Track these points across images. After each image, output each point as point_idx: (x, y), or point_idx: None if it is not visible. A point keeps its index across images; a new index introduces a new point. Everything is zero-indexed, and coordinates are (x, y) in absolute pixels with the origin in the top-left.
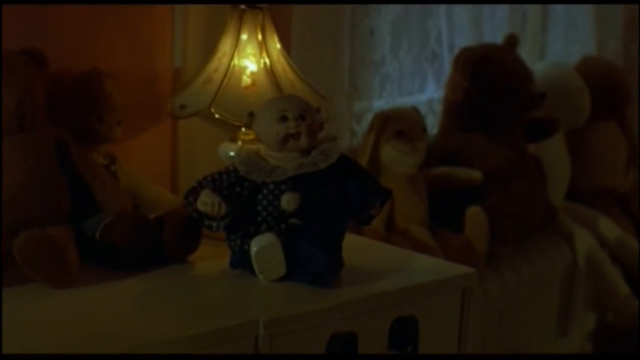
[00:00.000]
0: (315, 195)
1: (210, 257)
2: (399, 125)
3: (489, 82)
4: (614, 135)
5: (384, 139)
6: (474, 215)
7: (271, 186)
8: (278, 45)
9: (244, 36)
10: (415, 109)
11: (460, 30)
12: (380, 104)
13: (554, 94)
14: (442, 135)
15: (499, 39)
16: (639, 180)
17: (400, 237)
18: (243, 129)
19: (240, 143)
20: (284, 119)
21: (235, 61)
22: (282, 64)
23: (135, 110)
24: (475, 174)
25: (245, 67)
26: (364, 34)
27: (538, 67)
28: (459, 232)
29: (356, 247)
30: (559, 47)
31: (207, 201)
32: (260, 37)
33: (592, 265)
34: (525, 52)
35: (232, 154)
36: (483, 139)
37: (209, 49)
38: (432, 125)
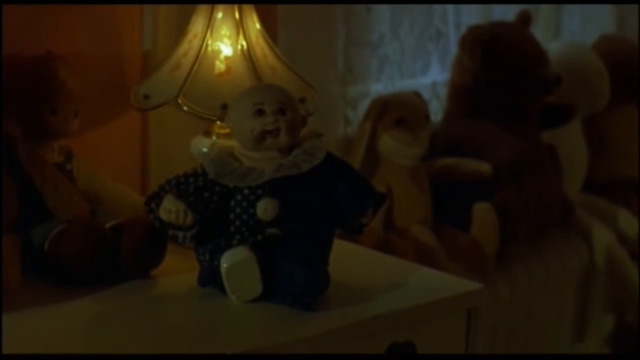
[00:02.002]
0: (297, 202)
1: (178, 271)
2: (398, 112)
3: (500, 64)
4: (635, 122)
5: (382, 128)
6: (482, 213)
7: (246, 191)
8: (258, 25)
9: (219, 15)
10: (417, 94)
11: (468, 7)
12: (379, 88)
13: (570, 77)
14: (447, 123)
15: (510, 16)
16: None
17: (401, 237)
18: (219, 122)
19: (214, 138)
20: (260, 112)
21: (208, 44)
22: (261, 47)
23: (98, 99)
24: (484, 167)
25: (219, 51)
26: (360, 12)
27: (552, 48)
28: (466, 230)
29: (346, 257)
30: (575, 25)
31: (170, 209)
32: (237, 15)
33: (611, 264)
34: (539, 31)
35: (205, 150)
36: (493, 127)
37: (184, 29)
38: (437, 111)
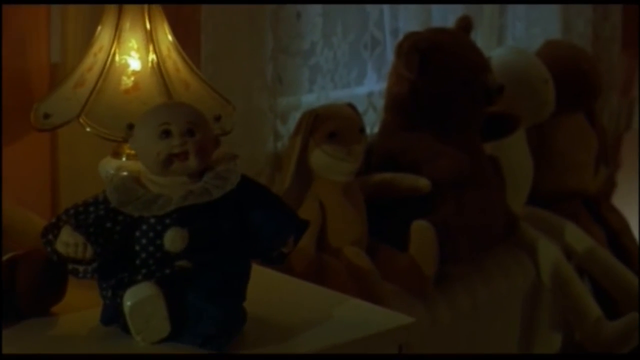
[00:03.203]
0: (209, 231)
1: (82, 306)
2: (331, 125)
3: (439, 72)
4: (583, 130)
5: (314, 142)
6: (420, 231)
7: (152, 220)
8: (170, 37)
9: (126, 25)
10: (351, 106)
11: (406, 13)
12: (311, 99)
13: (514, 86)
14: (384, 136)
15: (450, 22)
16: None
17: (334, 258)
18: None
19: (124, 159)
20: (166, 134)
21: (115, 57)
22: (173, 60)
23: (3, 117)
24: (422, 182)
25: (126, 66)
26: (289, 18)
27: (495, 54)
28: (406, 249)
29: (268, 288)
30: (519, 30)
31: (68, 241)
32: (147, 26)
33: (558, 281)
34: (481, 37)
35: (113, 172)
36: (431, 139)
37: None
38: (374, 123)
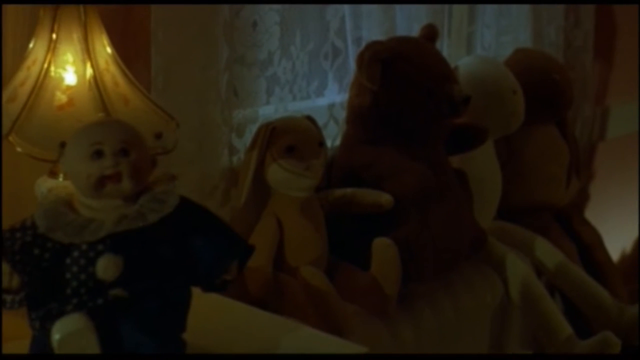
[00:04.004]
0: (145, 257)
1: (13, 337)
2: (289, 139)
3: (402, 83)
4: (553, 142)
5: (271, 156)
6: (382, 249)
7: (84, 247)
8: (109, 49)
9: (61, 37)
10: (310, 119)
11: (368, 21)
12: (268, 111)
13: (481, 96)
14: (346, 149)
15: (415, 30)
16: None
17: (292, 277)
18: None
19: (60, 179)
20: (98, 154)
21: (51, 71)
22: (112, 74)
23: None
24: (384, 198)
25: (60, 80)
26: (244, 27)
27: (462, 64)
28: (368, 268)
29: (211, 315)
30: (488, 38)
31: None
32: (83, 38)
33: (527, 299)
34: (450, 46)
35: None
36: (395, 153)
37: None
38: (335, 135)
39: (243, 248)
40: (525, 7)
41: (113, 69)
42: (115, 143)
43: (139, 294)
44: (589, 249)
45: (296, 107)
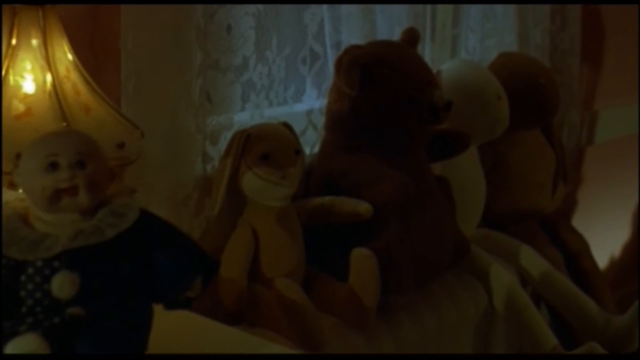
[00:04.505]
0: (103, 274)
1: None
2: (264, 146)
3: (381, 89)
4: (539, 148)
5: (246, 164)
6: (360, 260)
7: (39, 263)
8: (70, 56)
9: (19, 43)
10: (286, 125)
11: (348, 24)
12: (244, 118)
13: (465, 101)
14: (324, 156)
15: (397, 34)
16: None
17: (267, 289)
18: None
19: (20, 191)
20: (53, 167)
21: (10, 79)
22: (73, 82)
23: None
24: (363, 207)
25: (18, 88)
26: (218, 31)
27: (445, 68)
28: (347, 278)
29: (175, 333)
30: (472, 41)
31: None
32: (41, 44)
33: (511, 309)
34: (433, 49)
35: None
36: (374, 160)
37: None
38: (314, 142)
39: (207, 263)
40: (511, 10)
41: (74, 76)
42: (71, 155)
43: (97, 313)
44: (575, 257)
45: (273, 114)
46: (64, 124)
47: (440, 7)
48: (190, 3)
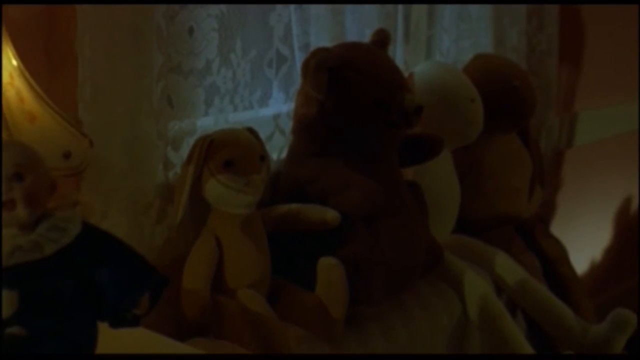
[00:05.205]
0: (44, 292)
1: None
2: (227, 152)
3: (350, 92)
4: (515, 151)
5: (209, 171)
6: (327, 269)
7: None
8: (14, 62)
9: None
10: (251, 130)
11: (316, 26)
12: (208, 123)
13: (437, 105)
14: (292, 162)
15: (367, 36)
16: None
17: (231, 300)
18: None
19: None
20: None
21: None
22: (17, 89)
23: None
24: (330, 215)
25: None
26: (180, 34)
27: (418, 71)
28: (314, 288)
29: (124, 350)
30: (446, 43)
31: None
32: None
33: (486, 318)
34: (408, 51)
35: None
36: (342, 166)
37: None
38: (282, 147)
39: (155, 279)
40: (486, 11)
41: (18, 83)
42: (7, 167)
43: (38, 333)
44: (552, 263)
45: (238, 118)
46: (6, 133)
47: (415, 8)
48: (151, 3)
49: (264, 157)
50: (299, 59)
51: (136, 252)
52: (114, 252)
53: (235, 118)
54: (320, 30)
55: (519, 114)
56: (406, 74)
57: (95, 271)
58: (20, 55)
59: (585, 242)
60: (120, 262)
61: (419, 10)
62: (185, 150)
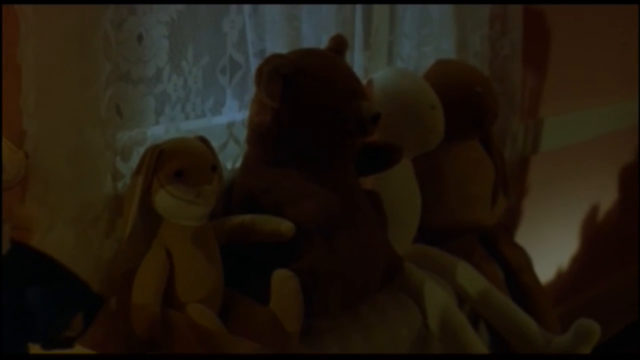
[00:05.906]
0: None
1: None
2: (177, 162)
3: (305, 100)
4: (477, 159)
5: (158, 182)
6: (281, 281)
7: None
8: None
9: None
10: (202, 140)
11: (272, 32)
12: (158, 132)
13: (397, 112)
14: (246, 172)
15: (324, 42)
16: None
17: (182, 315)
18: None
19: None
20: None
21: None
22: None
23: None
24: (284, 226)
25: None
26: (129, 41)
27: (377, 77)
28: (268, 301)
29: None
30: (407, 48)
31: None
32: None
33: (447, 330)
34: (368, 57)
35: None
36: (297, 176)
37: None
38: (237, 156)
39: (90, 298)
40: (448, 15)
41: None
42: None
43: None
44: (516, 272)
45: (190, 127)
46: None
47: (376, 13)
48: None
49: (215, 167)
50: (254, 65)
51: (69, 270)
52: (45, 271)
53: (187, 127)
54: (276, 36)
55: (481, 120)
56: (365, 81)
57: (26, 291)
58: None
59: (550, 250)
60: (52, 280)
61: (380, 15)
62: (135, 161)
